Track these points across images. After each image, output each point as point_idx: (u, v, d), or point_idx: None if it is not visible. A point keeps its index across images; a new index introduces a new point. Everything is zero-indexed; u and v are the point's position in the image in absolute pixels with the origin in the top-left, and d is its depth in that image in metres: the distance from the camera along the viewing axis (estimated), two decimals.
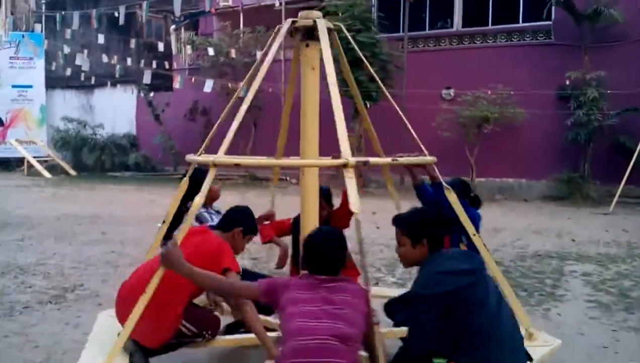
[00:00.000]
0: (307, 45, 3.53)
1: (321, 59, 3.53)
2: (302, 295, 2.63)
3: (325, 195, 4.18)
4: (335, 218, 4.20)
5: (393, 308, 3.48)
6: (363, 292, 2.72)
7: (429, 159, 3.54)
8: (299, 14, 3.56)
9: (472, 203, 4.17)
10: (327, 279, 2.68)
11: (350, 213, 3.32)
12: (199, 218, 4.05)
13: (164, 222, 3.69)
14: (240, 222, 3.44)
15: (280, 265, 4.38)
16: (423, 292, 2.70)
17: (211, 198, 4.24)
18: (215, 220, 4.02)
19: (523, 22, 16.34)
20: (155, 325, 3.10)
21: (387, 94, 3.93)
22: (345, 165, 2.88)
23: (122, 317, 3.16)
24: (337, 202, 4.37)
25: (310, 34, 3.52)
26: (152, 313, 2.97)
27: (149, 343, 3.16)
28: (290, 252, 4.41)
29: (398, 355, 2.85)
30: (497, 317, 2.67)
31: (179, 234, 3.02)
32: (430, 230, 2.88)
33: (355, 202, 2.80)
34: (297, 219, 4.17)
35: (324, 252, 2.71)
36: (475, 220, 3.81)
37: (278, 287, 2.74)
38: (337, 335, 2.48)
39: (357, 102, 4.01)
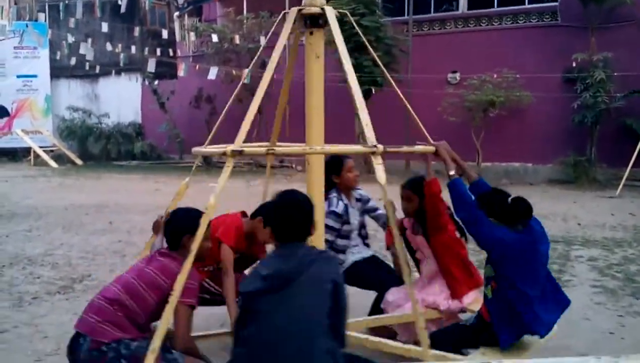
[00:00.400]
0: (312, 33, 3.50)
1: (326, 47, 3.51)
2: (137, 263, 3.09)
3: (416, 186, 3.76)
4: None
5: None
6: (174, 272, 2.82)
7: (429, 148, 3.42)
8: (304, 0, 3.52)
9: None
10: (163, 253, 3.06)
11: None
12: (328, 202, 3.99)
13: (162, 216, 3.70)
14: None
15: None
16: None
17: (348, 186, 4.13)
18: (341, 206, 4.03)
19: (529, 3, 16.20)
20: None
21: (391, 80, 3.89)
22: (374, 152, 2.95)
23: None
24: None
25: (314, 21, 3.48)
26: None
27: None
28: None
29: None
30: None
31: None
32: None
33: (383, 188, 2.86)
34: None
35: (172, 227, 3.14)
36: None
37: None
38: (107, 297, 2.86)
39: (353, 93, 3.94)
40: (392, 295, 3.78)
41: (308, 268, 2.35)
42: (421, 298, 3.63)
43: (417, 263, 3.95)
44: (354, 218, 4.14)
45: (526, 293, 3.01)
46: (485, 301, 3.23)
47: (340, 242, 4.08)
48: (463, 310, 3.66)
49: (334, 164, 3.96)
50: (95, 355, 2.74)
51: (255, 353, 2.30)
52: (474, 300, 3.63)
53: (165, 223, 3.22)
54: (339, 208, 4.01)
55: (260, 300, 2.33)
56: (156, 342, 2.60)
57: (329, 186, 3.89)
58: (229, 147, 2.92)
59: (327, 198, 3.91)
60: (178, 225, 3.08)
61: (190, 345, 2.90)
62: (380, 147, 2.95)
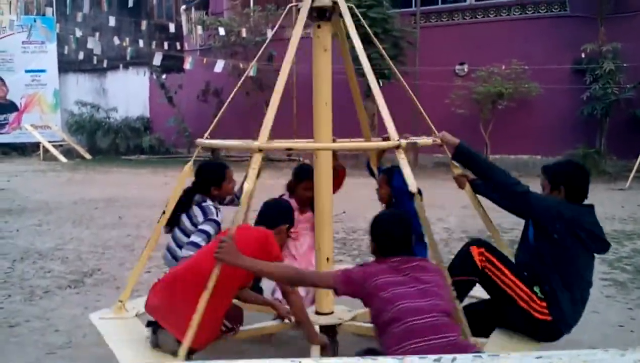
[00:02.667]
0: (319, 27, 3.49)
1: (333, 40, 3.51)
2: (391, 278, 2.58)
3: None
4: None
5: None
6: (439, 268, 2.80)
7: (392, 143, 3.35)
8: None
9: None
10: (404, 260, 2.67)
11: None
12: (203, 209, 3.80)
13: (164, 212, 3.71)
14: (285, 218, 3.38)
15: None
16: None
17: (227, 192, 4.00)
18: (220, 216, 3.80)
19: None
20: (204, 325, 2.84)
21: (397, 72, 3.88)
22: (398, 147, 3.00)
23: (158, 315, 3.07)
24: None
25: (322, 14, 3.47)
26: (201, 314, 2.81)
27: (195, 344, 2.86)
28: None
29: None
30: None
31: (233, 227, 2.88)
32: (569, 179, 3.26)
33: (412, 182, 2.87)
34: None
35: (394, 233, 2.73)
36: None
37: (358, 275, 2.66)
38: (441, 311, 2.47)
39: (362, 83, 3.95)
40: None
41: None
42: None
43: None
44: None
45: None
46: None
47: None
48: None
49: (216, 174, 3.90)
50: None
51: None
52: None
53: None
54: (219, 218, 3.83)
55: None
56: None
57: (204, 193, 3.87)
58: (256, 143, 2.99)
59: (200, 205, 3.80)
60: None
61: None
62: (404, 141, 3.03)
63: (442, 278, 2.72)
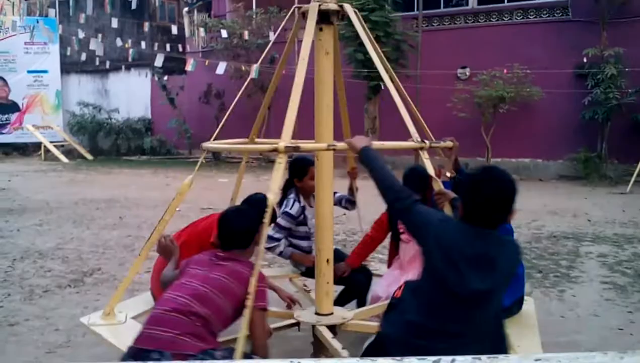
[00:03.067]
0: (321, 30, 3.50)
1: (334, 43, 3.52)
2: (193, 270, 2.83)
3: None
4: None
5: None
6: (244, 275, 2.74)
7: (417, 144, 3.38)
8: None
9: None
10: (225, 256, 2.85)
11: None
12: (286, 201, 4.26)
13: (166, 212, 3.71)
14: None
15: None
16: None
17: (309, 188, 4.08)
18: (296, 209, 4.21)
19: None
20: None
21: (395, 76, 3.89)
22: (422, 148, 3.17)
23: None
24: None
25: (324, 17, 3.48)
26: None
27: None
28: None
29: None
30: None
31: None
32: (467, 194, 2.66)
33: (435, 179, 3.08)
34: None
35: (229, 227, 2.91)
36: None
37: (185, 263, 2.95)
38: (177, 309, 2.61)
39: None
40: (381, 288, 3.85)
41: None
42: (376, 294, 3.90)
43: (398, 246, 4.09)
44: (312, 219, 4.15)
45: None
46: None
47: (297, 242, 4.29)
48: None
49: (298, 167, 4.18)
50: None
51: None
52: None
53: (220, 223, 2.99)
54: (294, 210, 4.17)
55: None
56: (239, 349, 2.46)
57: (289, 186, 4.24)
58: (281, 143, 2.89)
59: (285, 198, 4.24)
60: (249, 224, 2.94)
61: (268, 350, 2.81)
62: (427, 142, 3.22)
63: (240, 284, 2.83)
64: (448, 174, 3.46)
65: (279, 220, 4.14)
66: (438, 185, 3.11)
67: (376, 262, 5.21)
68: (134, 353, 2.57)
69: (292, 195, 4.23)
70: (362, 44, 3.81)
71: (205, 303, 2.66)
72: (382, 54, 3.84)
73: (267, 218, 2.66)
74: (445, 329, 2.34)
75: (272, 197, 2.72)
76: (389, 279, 3.93)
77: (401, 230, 3.98)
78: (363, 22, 3.75)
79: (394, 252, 4.21)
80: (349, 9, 3.46)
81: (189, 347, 2.53)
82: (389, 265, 4.27)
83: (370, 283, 4.22)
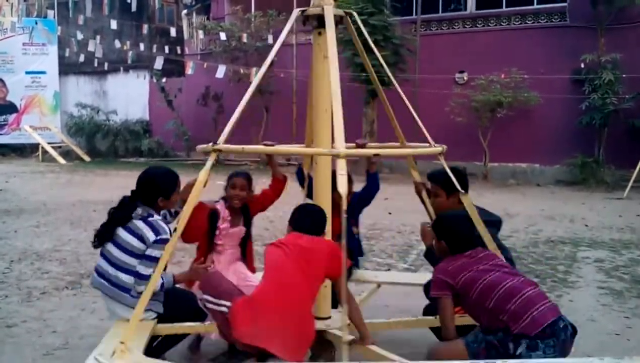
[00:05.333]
0: (320, 34, 3.52)
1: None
2: (480, 267, 2.94)
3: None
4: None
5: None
6: (493, 253, 3.12)
7: (437, 149, 3.45)
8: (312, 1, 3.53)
9: None
10: (475, 252, 3.01)
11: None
12: (152, 226, 3.30)
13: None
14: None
15: None
16: None
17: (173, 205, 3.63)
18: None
19: (537, 4, 16.14)
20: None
21: (394, 80, 3.90)
22: (441, 153, 3.30)
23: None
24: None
25: (322, 21, 3.50)
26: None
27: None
28: None
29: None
30: None
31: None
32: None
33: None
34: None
35: (464, 231, 3.09)
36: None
37: (447, 275, 2.98)
38: (530, 283, 2.88)
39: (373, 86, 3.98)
40: None
41: None
42: None
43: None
44: None
45: None
46: None
47: None
48: None
49: (167, 183, 3.52)
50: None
51: None
52: None
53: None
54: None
55: None
56: None
57: (149, 204, 3.42)
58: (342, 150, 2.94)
59: (147, 220, 3.33)
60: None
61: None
62: (444, 147, 3.30)
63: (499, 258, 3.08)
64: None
65: None
66: (417, 175, 3.46)
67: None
68: (544, 330, 2.67)
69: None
70: (363, 49, 3.83)
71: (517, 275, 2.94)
72: (380, 58, 3.86)
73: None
74: None
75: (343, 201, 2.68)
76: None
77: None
78: (362, 27, 3.76)
79: None
80: (344, 14, 3.48)
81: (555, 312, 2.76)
82: None
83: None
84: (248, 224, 3.94)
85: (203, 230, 3.76)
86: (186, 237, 3.44)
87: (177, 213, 3.62)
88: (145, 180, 3.46)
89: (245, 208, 3.91)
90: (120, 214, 3.33)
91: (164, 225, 3.31)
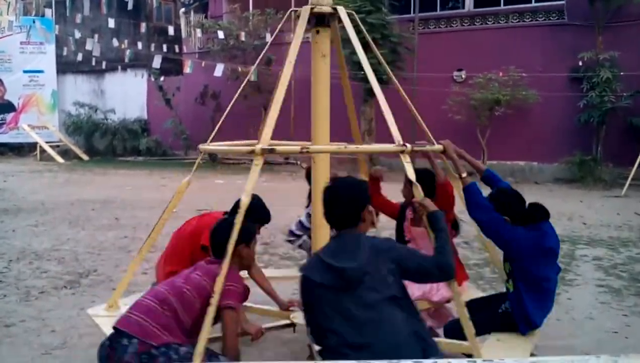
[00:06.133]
0: (318, 32, 3.52)
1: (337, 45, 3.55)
2: (186, 270, 2.98)
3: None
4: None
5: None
6: (216, 273, 2.72)
7: (436, 147, 3.46)
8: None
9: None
10: (212, 261, 2.91)
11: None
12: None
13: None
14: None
15: None
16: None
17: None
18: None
19: (536, 2, 16.12)
20: None
21: (394, 78, 3.90)
22: (403, 151, 3.07)
23: None
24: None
25: (321, 20, 3.50)
26: None
27: None
28: None
29: None
30: None
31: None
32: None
33: (415, 185, 2.99)
34: (403, 207, 4.05)
35: (215, 239, 2.97)
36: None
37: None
38: (155, 296, 2.78)
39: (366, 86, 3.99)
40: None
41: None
42: (411, 292, 3.66)
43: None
44: None
45: (541, 285, 3.27)
46: (508, 294, 3.38)
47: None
48: (449, 301, 3.71)
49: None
50: (144, 359, 2.56)
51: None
52: (464, 292, 3.72)
53: (212, 233, 3.00)
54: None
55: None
56: (200, 347, 2.51)
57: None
58: (258, 146, 2.89)
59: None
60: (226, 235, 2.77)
61: (238, 352, 2.79)
62: (409, 146, 3.08)
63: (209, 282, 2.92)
64: (464, 175, 3.42)
65: (302, 219, 4.33)
66: (418, 193, 2.97)
67: None
68: (111, 335, 2.69)
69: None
70: (361, 47, 3.82)
71: (179, 296, 2.76)
72: (379, 57, 3.86)
73: (238, 219, 2.72)
74: None
75: (245, 200, 2.75)
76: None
77: (407, 237, 3.95)
78: (360, 25, 3.76)
79: None
80: (341, 11, 3.48)
81: (155, 338, 2.61)
82: None
83: None
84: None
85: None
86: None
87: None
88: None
89: None
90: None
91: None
